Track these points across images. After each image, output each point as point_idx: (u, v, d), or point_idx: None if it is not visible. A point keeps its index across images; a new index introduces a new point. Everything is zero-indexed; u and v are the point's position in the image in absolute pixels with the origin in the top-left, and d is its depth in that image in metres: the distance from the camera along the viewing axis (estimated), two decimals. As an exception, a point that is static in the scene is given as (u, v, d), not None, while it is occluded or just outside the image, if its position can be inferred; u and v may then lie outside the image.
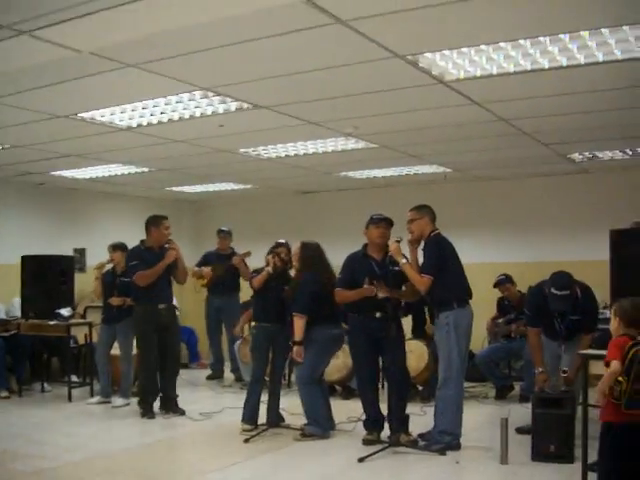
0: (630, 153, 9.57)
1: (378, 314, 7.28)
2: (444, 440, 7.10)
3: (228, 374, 11.71)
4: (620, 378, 4.80)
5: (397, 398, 7.40)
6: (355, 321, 7.57)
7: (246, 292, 9.81)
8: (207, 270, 11.32)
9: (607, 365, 4.86)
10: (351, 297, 7.43)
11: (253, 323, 8.58)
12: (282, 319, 7.92)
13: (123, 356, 9.80)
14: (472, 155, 9.75)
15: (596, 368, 5.53)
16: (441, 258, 7.16)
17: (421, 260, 7.29)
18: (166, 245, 8.95)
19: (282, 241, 8.37)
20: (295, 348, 7.65)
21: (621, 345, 4.87)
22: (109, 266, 10.06)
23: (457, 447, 7.11)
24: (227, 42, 5.17)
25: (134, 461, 7.17)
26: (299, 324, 7.62)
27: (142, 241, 9.08)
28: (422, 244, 7.35)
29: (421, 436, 7.35)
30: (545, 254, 11.02)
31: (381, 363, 7.73)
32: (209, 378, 11.79)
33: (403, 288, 7.55)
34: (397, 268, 7.32)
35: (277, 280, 8.08)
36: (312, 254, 7.90)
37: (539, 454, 6.70)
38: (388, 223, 7.50)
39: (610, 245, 6.59)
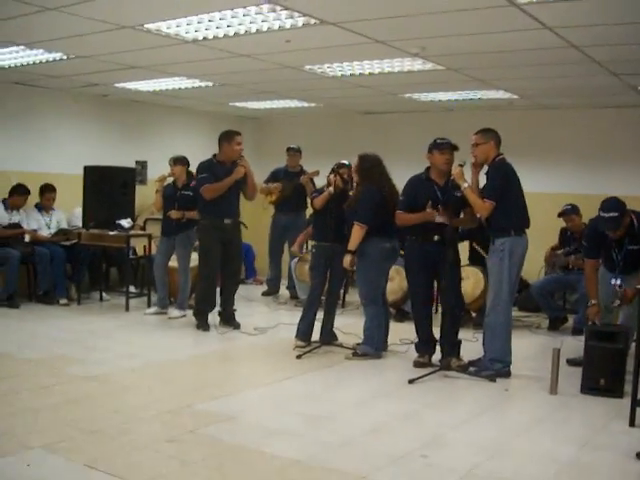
0: None
1: (436, 237, 7.27)
2: (494, 367, 7.13)
3: (283, 291, 11.84)
4: None
5: (451, 323, 7.45)
6: (413, 244, 7.55)
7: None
8: (275, 185, 11.32)
9: None
10: (412, 220, 7.40)
11: (312, 242, 8.59)
12: (341, 239, 7.89)
13: (181, 268, 9.94)
14: (540, 82, 9.56)
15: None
16: (504, 184, 7.08)
17: (482, 184, 7.23)
18: (237, 161, 8.95)
19: (345, 162, 8.31)
20: (348, 257, 7.65)
21: None
22: (170, 179, 10.12)
23: (507, 375, 7.13)
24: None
25: (186, 371, 7.32)
26: (358, 233, 7.61)
27: (214, 155, 9.08)
28: (485, 168, 7.26)
29: (472, 363, 7.37)
30: (610, 187, 10.78)
31: (436, 287, 7.74)
32: (265, 294, 11.93)
33: (462, 215, 7.53)
34: (459, 194, 7.25)
35: (337, 200, 8.04)
36: (370, 165, 7.84)
37: (589, 387, 6.70)
38: (453, 149, 7.40)
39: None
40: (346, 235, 7.80)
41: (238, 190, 9.11)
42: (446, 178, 7.41)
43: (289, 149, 11.78)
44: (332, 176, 8.15)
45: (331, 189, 8.04)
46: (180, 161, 9.98)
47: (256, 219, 12.07)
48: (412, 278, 7.69)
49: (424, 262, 7.40)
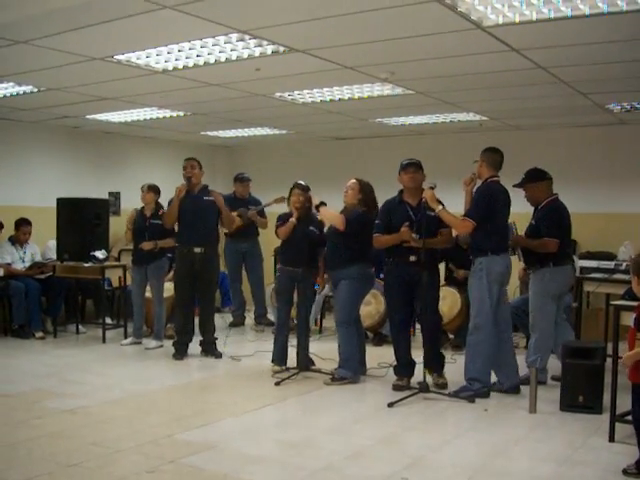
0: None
1: (412, 258, 7.33)
2: (474, 387, 7.16)
3: (251, 320, 11.81)
4: None
5: (429, 340, 7.55)
6: (390, 266, 7.66)
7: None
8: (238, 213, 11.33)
9: None
10: (389, 241, 7.53)
11: (278, 266, 8.59)
12: (306, 263, 8.01)
13: (155, 298, 9.94)
14: (509, 103, 9.65)
15: (628, 319, 5.51)
16: (489, 208, 7.17)
17: None
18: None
19: (300, 182, 8.32)
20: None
21: None
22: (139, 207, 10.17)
23: (486, 395, 7.17)
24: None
25: (165, 401, 7.29)
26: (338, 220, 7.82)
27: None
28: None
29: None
30: (581, 205, 10.93)
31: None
32: (232, 325, 11.74)
33: (439, 236, 7.57)
34: (433, 213, 7.32)
35: (301, 223, 8.12)
36: (371, 192, 7.98)
37: (567, 404, 6.75)
38: (417, 167, 7.56)
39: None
40: (312, 259, 8.03)
41: (212, 218, 9.13)
42: (418, 198, 7.49)
43: (242, 179, 11.70)
44: (291, 204, 8.21)
45: (293, 219, 8.10)
46: (153, 189, 10.00)
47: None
48: (390, 299, 7.78)
49: (402, 283, 7.46)
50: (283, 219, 8.32)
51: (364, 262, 7.88)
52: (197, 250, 8.96)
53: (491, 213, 7.15)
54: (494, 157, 7.33)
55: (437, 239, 7.56)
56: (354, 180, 7.99)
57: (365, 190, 7.92)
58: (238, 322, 11.85)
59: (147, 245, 9.72)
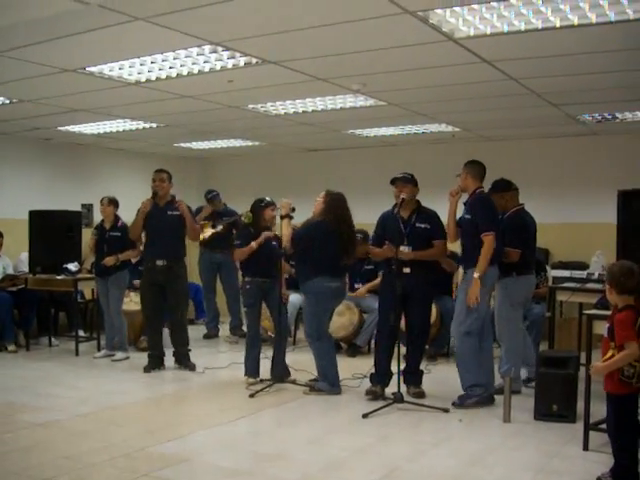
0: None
1: (406, 270, 7.38)
2: (476, 393, 7.22)
3: (225, 331, 11.77)
4: (634, 362, 4.81)
5: (413, 353, 7.71)
6: (386, 277, 7.79)
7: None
8: (207, 209, 11.24)
9: (621, 347, 4.84)
10: (376, 254, 7.84)
11: (246, 278, 8.55)
12: (273, 274, 8.08)
13: (113, 309, 9.89)
14: (481, 114, 9.71)
15: (600, 328, 5.54)
16: (496, 215, 7.31)
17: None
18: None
19: (267, 199, 8.40)
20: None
21: (630, 324, 4.83)
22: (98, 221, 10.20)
23: (490, 400, 7.24)
24: (236, -4, 5.14)
25: (140, 414, 7.24)
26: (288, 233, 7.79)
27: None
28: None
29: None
30: (555, 215, 11.03)
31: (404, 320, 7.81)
32: (206, 337, 11.76)
33: (433, 248, 7.65)
34: (423, 226, 7.49)
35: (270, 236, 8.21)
36: (332, 200, 7.85)
37: (542, 413, 6.77)
38: (404, 180, 7.58)
39: (617, 206, 6.57)
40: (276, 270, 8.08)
41: (177, 231, 9.10)
42: (410, 211, 7.57)
43: (211, 199, 11.58)
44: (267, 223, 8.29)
45: (253, 244, 8.09)
46: (113, 202, 10.03)
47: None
48: (382, 309, 7.79)
49: (394, 295, 7.42)
50: (243, 238, 8.35)
51: (324, 275, 7.70)
52: (160, 263, 8.92)
53: (497, 222, 7.30)
54: (478, 169, 7.38)
55: (429, 251, 7.61)
56: (324, 192, 7.99)
57: (329, 200, 7.85)
58: (212, 334, 11.80)
59: (109, 261, 9.70)
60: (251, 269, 8.29)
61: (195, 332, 11.01)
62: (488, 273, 7.15)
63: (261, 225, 8.26)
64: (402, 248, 7.41)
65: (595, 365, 5.09)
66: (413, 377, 7.70)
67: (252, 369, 8.28)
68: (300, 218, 8.09)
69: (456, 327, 7.32)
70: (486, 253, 7.04)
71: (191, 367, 9.07)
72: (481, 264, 7.04)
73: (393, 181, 7.62)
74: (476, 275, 7.03)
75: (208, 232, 10.91)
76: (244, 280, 8.41)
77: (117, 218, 9.98)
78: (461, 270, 7.72)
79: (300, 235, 7.75)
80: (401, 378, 7.30)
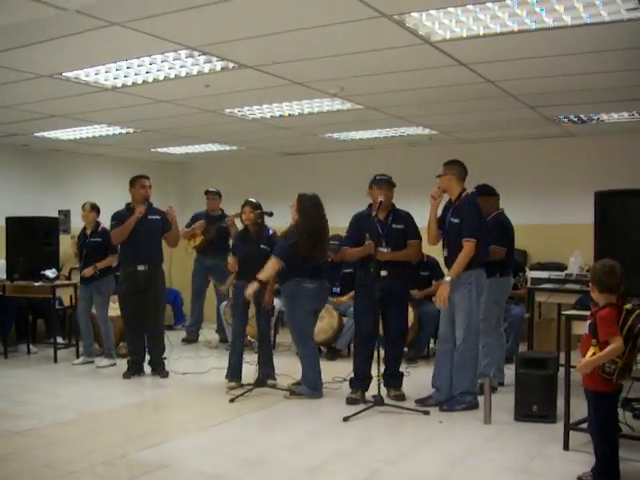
0: (616, 117, 9.57)
1: (383, 273, 7.34)
2: (466, 400, 7.24)
3: (214, 335, 11.75)
4: (616, 358, 4.85)
5: (392, 355, 7.68)
6: (360, 280, 7.71)
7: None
8: (198, 224, 11.24)
9: (605, 342, 4.87)
10: (355, 254, 7.62)
11: (235, 282, 8.56)
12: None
13: (99, 316, 9.86)
14: (458, 117, 9.74)
15: (579, 329, 5.57)
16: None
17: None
18: (167, 210, 9.16)
19: (251, 199, 8.41)
20: (254, 285, 7.69)
21: (614, 320, 4.87)
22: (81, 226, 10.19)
23: (476, 406, 7.23)
24: (213, 1, 5.12)
25: (119, 420, 7.20)
26: (272, 265, 7.71)
27: (128, 204, 9.13)
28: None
29: (420, 401, 7.44)
30: (533, 217, 11.08)
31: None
32: (185, 341, 11.76)
33: (408, 248, 7.68)
34: (399, 227, 7.52)
35: (256, 240, 8.16)
36: (310, 205, 7.85)
37: (522, 414, 6.80)
38: (390, 184, 7.61)
39: (595, 207, 6.59)
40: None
41: (157, 236, 9.10)
42: (386, 212, 7.58)
43: (208, 192, 11.77)
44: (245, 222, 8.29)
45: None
46: (95, 208, 10.00)
47: (182, 265, 12.02)
48: (359, 313, 7.80)
49: (372, 297, 7.42)
50: (239, 239, 8.41)
51: (302, 276, 7.76)
52: (141, 268, 8.92)
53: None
54: (461, 170, 7.38)
55: (406, 251, 7.67)
56: (297, 196, 7.99)
57: (301, 204, 7.84)
58: (192, 338, 11.79)
59: (88, 272, 9.69)
60: (239, 273, 8.31)
61: (174, 337, 10.98)
62: (479, 276, 7.20)
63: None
64: (380, 249, 7.42)
65: (582, 361, 5.11)
66: (393, 380, 7.72)
67: (233, 373, 8.28)
68: (279, 221, 8.10)
69: (463, 332, 7.20)
70: (464, 258, 7.06)
71: (164, 375, 9.02)
72: (456, 268, 7.07)
73: (378, 183, 7.60)
74: (448, 279, 7.07)
75: (198, 239, 11.00)
76: (234, 284, 8.42)
77: (97, 224, 9.95)
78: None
79: (284, 250, 7.71)
80: (381, 381, 7.31)
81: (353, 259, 7.77)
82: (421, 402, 7.40)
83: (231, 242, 8.77)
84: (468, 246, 7.06)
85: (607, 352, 4.86)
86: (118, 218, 9.00)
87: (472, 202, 7.31)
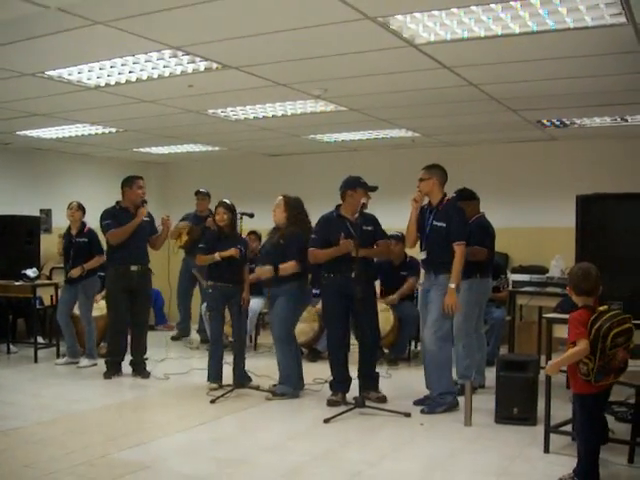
0: (598, 121, 9.62)
1: (353, 274, 7.29)
2: (447, 401, 7.26)
3: (194, 335, 11.76)
4: (585, 359, 4.89)
5: (368, 358, 7.59)
6: (329, 281, 7.63)
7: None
8: (183, 224, 11.25)
9: (573, 343, 4.93)
10: (329, 254, 7.50)
11: (210, 282, 8.53)
12: (236, 279, 8.08)
13: (82, 316, 9.78)
14: (441, 120, 9.76)
15: (560, 332, 5.60)
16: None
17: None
18: (162, 219, 9.15)
19: (225, 200, 8.40)
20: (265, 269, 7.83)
21: (583, 322, 4.93)
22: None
23: (456, 405, 7.28)
24: (197, 1, 5.12)
25: (100, 421, 7.17)
26: (291, 268, 7.80)
27: (118, 202, 9.05)
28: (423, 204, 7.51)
29: (418, 402, 7.47)
30: (515, 220, 11.11)
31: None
32: (174, 338, 11.86)
33: (375, 247, 7.70)
34: (369, 228, 7.50)
35: (228, 240, 8.15)
36: (299, 210, 7.98)
37: (503, 417, 6.81)
38: (372, 190, 7.63)
39: (576, 210, 6.62)
40: (239, 275, 8.12)
41: (146, 237, 9.07)
42: (357, 215, 7.55)
43: (198, 193, 11.81)
44: (218, 223, 8.28)
45: (217, 256, 8.08)
46: (82, 207, 9.90)
47: (164, 265, 11.98)
48: (329, 315, 7.78)
49: (341, 299, 7.46)
50: (208, 241, 8.39)
51: (301, 279, 7.91)
52: (134, 268, 8.89)
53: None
54: (443, 175, 7.42)
55: (377, 249, 7.74)
56: (280, 197, 7.99)
57: (291, 206, 7.91)
58: (182, 334, 11.92)
59: (75, 272, 9.60)
60: (213, 274, 8.29)
61: (155, 338, 10.94)
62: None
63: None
64: (353, 253, 7.38)
65: (549, 363, 5.19)
66: (371, 382, 7.67)
67: (214, 375, 8.27)
68: (261, 223, 8.11)
69: (432, 333, 7.25)
70: (460, 260, 7.13)
71: (145, 375, 8.99)
72: (456, 274, 7.13)
73: (363, 186, 7.57)
74: (453, 285, 7.10)
75: (184, 238, 10.99)
76: (207, 285, 8.42)
77: (83, 224, 9.86)
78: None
79: (303, 249, 7.74)
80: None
81: (322, 261, 7.62)
82: (419, 402, 7.43)
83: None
84: (460, 249, 7.13)
85: (570, 353, 4.96)
86: (112, 217, 8.91)
87: (457, 207, 7.39)
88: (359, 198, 7.53)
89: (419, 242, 7.51)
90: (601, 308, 4.98)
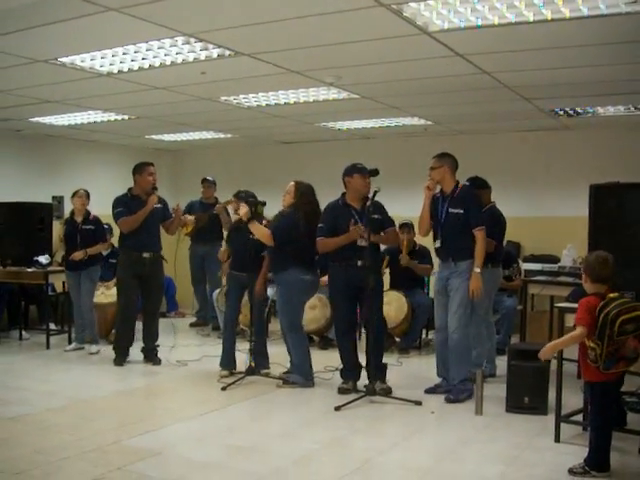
0: (612, 110, 9.57)
1: (360, 262, 7.29)
2: (468, 387, 7.26)
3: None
4: (593, 344, 4.90)
5: (375, 347, 7.47)
6: (336, 270, 7.62)
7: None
8: (190, 217, 11.27)
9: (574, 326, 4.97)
10: (337, 243, 7.47)
11: (229, 270, 8.57)
12: (255, 268, 8.05)
13: (85, 303, 9.84)
14: (454, 108, 9.72)
15: (572, 321, 5.59)
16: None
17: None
18: (172, 209, 9.21)
19: (241, 191, 8.42)
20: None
21: (591, 308, 4.93)
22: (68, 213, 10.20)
23: (473, 394, 7.22)
24: (210, -13, 5.11)
25: (112, 408, 7.20)
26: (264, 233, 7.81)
27: (130, 189, 9.05)
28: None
29: (430, 390, 7.52)
30: (528, 209, 11.09)
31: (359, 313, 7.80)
32: (193, 325, 11.97)
33: (382, 234, 7.64)
34: (376, 216, 7.41)
35: (247, 230, 8.05)
36: (301, 193, 7.89)
37: (513, 406, 6.82)
38: (372, 174, 7.55)
39: (589, 200, 6.60)
40: (257, 264, 8.08)
41: (158, 224, 9.08)
42: (362, 202, 7.53)
43: (204, 180, 11.91)
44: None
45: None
46: (88, 195, 9.98)
47: (174, 252, 11.99)
48: (336, 305, 7.78)
49: (347, 287, 7.46)
50: (233, 230, 8.49)
51: (299, 267, 7.73)
52: (146, 255, 8.90)
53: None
54: (454, 163, 7.45)
55: (385, 236, 7.69)
56: (292, 183, 7.98)
57: (300, 192, 7.88)
58: (201, 323, 12.00)
59: (78, 255, 9.65)
60: (230, 262, 8.32)
61: (166, 325, 10.96)
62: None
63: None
64: (359, 241, 7.38)
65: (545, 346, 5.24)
66: (378, 372, 7.52)
67: (226, 362, 8.29)
68: (274, 211, 8.10)
69: (456, 320, 7.25)
70: (482, 247, 7.19)
71: (157, 362, 9.02)
72: (479, 259, 7.18)
73: (362, 171, 7.56)
74: (478, 270, 7.14)
75: (190, 227, 11.02)
76: (228, 272, 8.44)
77: (88, 212, 9.92)
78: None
79: (281, 229, 7.73)
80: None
81: (331, 250, 7.57)
82: (431, 391, 7.47)
83: (224, 231, 8.73)
84: (481, 234, 7.20)
85: (565, 338, 5.09)
86: (123, 205, 8.91)
87: (473, 192, 7.44)
88: (357, 184, 7.54)
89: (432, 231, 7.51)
90: (611, 295, 4.98)
